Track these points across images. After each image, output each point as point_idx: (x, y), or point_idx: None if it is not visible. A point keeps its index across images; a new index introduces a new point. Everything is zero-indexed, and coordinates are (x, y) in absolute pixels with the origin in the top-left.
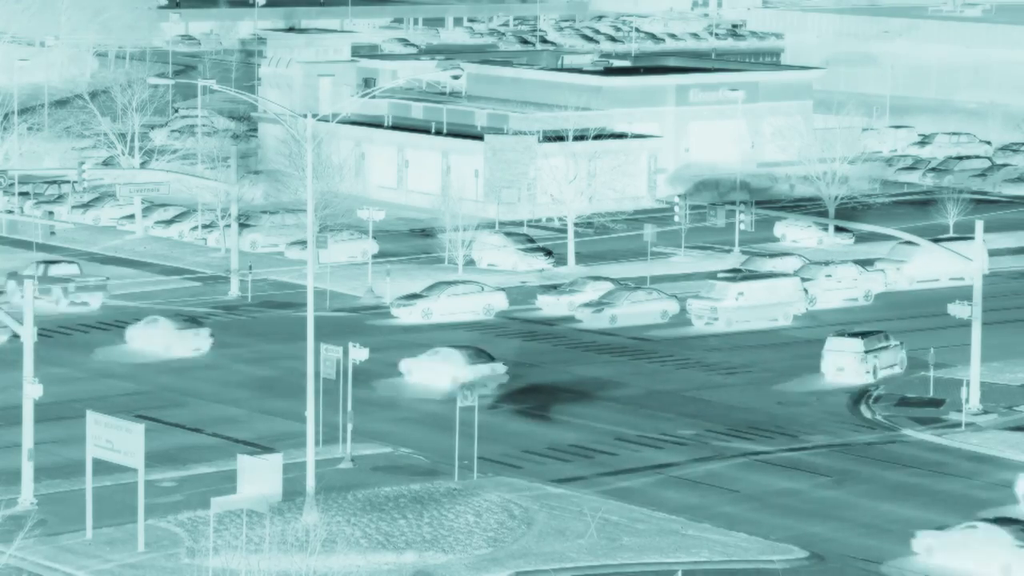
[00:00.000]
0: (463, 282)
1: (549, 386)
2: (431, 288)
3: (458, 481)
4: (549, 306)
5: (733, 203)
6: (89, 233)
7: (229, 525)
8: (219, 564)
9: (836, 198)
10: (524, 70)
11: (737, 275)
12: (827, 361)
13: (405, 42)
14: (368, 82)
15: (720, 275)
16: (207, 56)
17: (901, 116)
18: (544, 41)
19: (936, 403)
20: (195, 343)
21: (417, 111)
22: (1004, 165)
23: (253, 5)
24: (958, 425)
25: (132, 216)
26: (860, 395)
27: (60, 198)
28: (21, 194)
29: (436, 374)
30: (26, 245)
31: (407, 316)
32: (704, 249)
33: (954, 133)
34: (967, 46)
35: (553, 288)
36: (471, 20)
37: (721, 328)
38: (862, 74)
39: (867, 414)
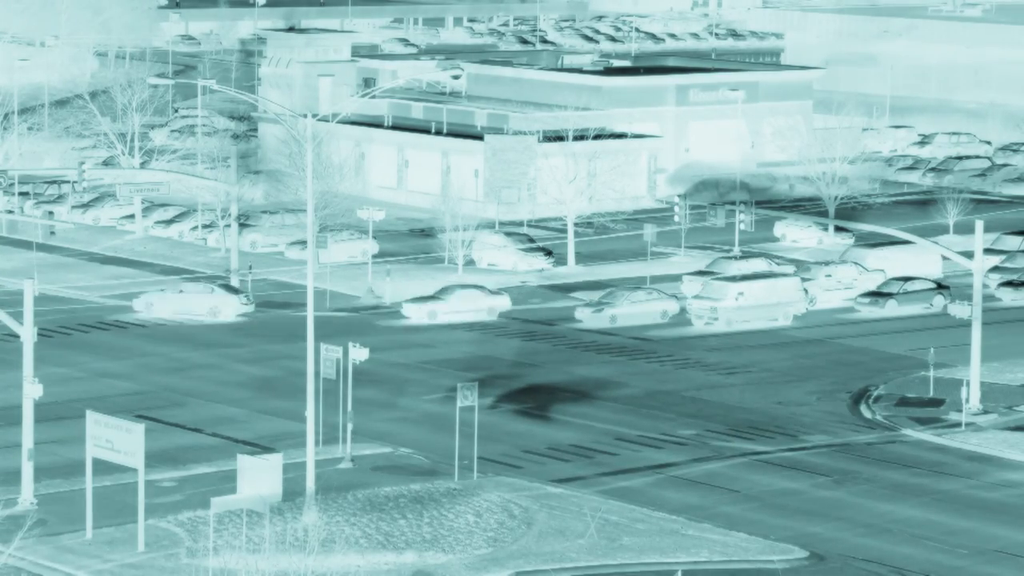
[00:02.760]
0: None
1: (549, 386)
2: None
3: (458, 481)
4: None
5: (733, 203)
6: (89, 233)
7: (229, 525)
8: (219, 564)
9: (836, 198)
10: (524, 70)
11: (705, 276)
12: None
13: (405, 42)
14: (368, 82)
15: (685, 277)
16: (207, 56)
17: (901, 116)
18: (544, 41)
19: (936, 403)
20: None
21: (417, 111)
22: (1004, 165)
23: (253, 5)
24: (958, 425)
25: (132, 216)
26: (860, 395)
27: (60, 198)
28: (21, 194)
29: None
30: (26, 245)
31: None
32: (704, 249)
33: (954, 133)
34: (967, 46)
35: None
36: (471, 20)
37: (721, 328)
38: (862, 74)
39: (867, 414)
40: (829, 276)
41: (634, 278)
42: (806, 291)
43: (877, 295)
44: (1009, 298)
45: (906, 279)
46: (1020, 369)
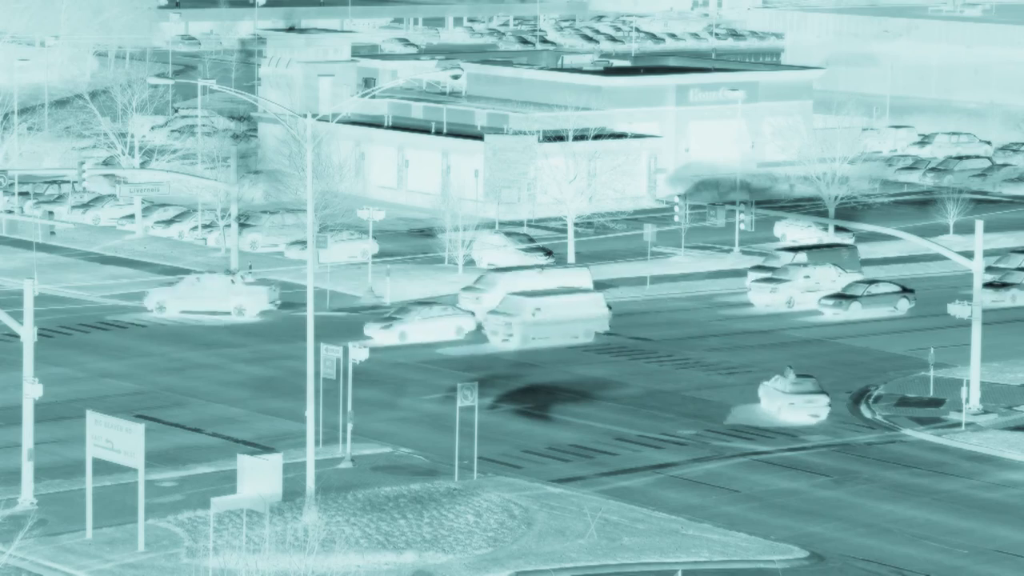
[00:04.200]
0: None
1: (549, 386)
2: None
3: (458, 481)
4: None
5: (733, 203)
6: (89, 233)
7: (229, 525)
8: (219, 564)
9: (836, 198)
10: (524, 70)
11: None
12: None
13: (405, 42)
14: (368, 82)
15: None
16: (207, 56)
17: (901, 116)
18: (544, 41)
19: (936, 403)
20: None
21: (417, 111)
22: (1004, 165)
23: (253, 5)
24: (958, 425)
25: (132, 216)
26: (860, 395)
27: (60, 198)
28: (21, 194)
29: None
30: (26, 245)
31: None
32: (704, 249)
33: (954, 133)
34: (967, 46)
35: None
36: (471, 20)
37: (516, 345)
38: (862, 74)
39: (867, 414)
40: (807, 277)
41: (634, 278)
42: (609, 307)
43: (841, 297)
44: (990, 299)
45: (871, 282)
46: (1020, 369)
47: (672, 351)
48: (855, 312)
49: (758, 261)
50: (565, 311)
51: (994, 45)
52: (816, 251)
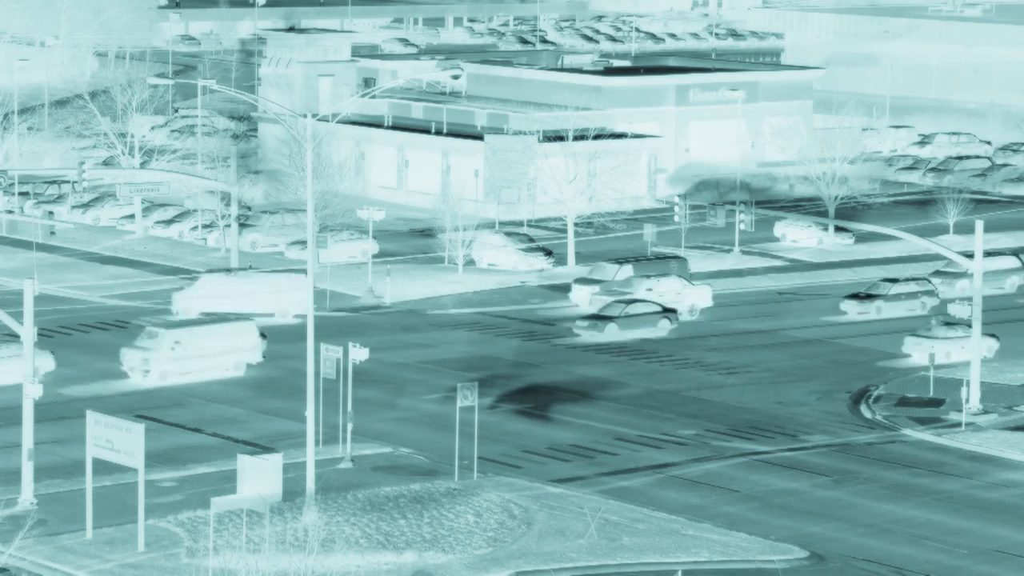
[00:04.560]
0: None
1: (549, 386)
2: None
3: (458, 481)
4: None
5: (733, 203)
6: (89, 233)
7: (229, 525)
8: (219, 564)
9: (836, 198)
10: (524, 70)
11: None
12: None
13: (405, 42)
14: (368, 82)
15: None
16: (207, 56)
17: (901, 116)
18: (544, 41)
19: (936, 403)
20: None
21: (417, 111)
22: (1004, 165)
23: (253, 5)
24: (958, 425)
25: (132, 216)
26: (860, 395)
27: (60, 198)
28: (21, 194)
29: None
30: (26, 245)
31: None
32: (704, 249)
33: (954, 133)
34: (967, 46)
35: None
36: (471, 20)
37: (155, 383)
38: (862, 74)
39: (867, 414)
40: (650, 290)
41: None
42: (264, 336)
43: (597, 318)
44: (855, 312)
45: (629, 301)
46: (1020, 369)
47: (672, 351)
48: (611, 334)
49: (583, 273)
50: (210, 343)
51: (994, 45)
52: (644, 263)
